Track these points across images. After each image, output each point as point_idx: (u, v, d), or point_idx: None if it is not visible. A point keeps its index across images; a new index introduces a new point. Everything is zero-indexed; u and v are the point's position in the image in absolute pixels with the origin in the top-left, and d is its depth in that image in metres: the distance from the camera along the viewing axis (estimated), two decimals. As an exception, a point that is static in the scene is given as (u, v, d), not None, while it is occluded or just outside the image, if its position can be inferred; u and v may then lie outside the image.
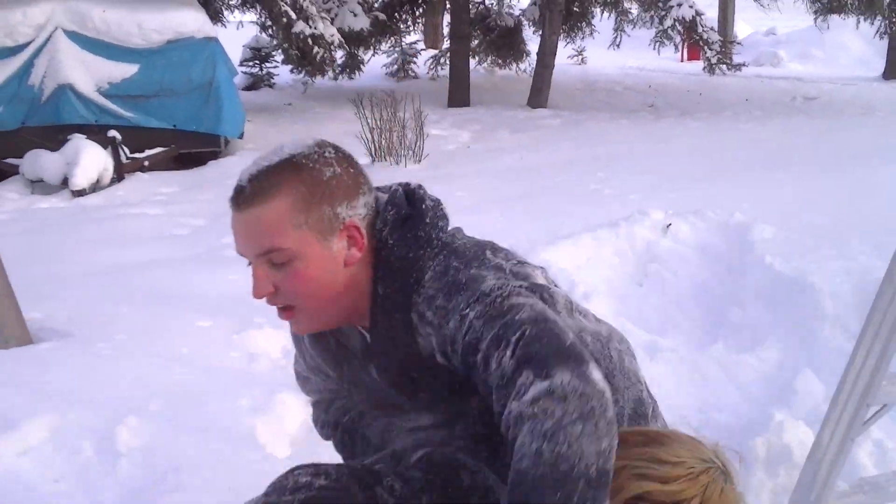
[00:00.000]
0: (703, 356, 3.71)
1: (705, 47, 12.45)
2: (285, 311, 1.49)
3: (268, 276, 1.44)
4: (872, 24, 13.29)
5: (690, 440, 1.43)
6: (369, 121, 8.97)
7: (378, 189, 1.56)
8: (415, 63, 16.82)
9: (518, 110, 12.99)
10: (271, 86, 15.53)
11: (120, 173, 8.84)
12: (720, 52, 12.49)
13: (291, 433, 2.99)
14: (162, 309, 4.04)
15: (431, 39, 20.35)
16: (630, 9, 13.90)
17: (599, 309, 3.81)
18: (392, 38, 16.48)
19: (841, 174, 6.30)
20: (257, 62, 15.62)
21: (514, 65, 16.30)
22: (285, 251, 1.41)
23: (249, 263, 1.45)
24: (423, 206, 1.51)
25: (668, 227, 4.85)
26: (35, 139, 8.69)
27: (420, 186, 1.56)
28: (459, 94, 13.84)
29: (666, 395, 3.26)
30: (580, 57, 17.63)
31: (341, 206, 1.43)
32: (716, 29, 14.69)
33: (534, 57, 14.35)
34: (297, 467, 1.59)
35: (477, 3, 16.02)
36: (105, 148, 8.69)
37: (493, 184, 7.42)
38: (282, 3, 10.80)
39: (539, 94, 13.42)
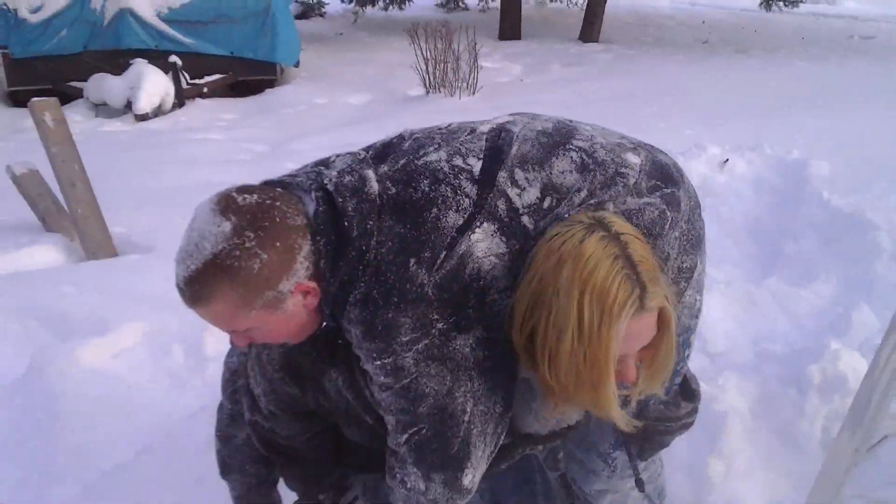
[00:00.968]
0: (757, 289, 3.75)
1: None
2: None
3: (241, 338, 1.50)
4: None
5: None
6: (424, 52, 9.00)
7: (295, 180, 1.51)
8: (465, -6, 16.72)
9: (570, 44, 12.89)
10: (322, 15, 15.54)
11: (181, 99, 9.00)
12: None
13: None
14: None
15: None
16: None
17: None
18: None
19: (894, 112, 6.26)
20: (309, -10, 15.63)
21: (566, -3, 16.15)
22: (247, 331, 1.47)
23: None
24: (346, 225, 1.42)
25: (725, 162, 4.89)
26: (97, 63, 8.85)
27: (339, 185, 1.46)
28: (510, 26, 13.74)
29: (721, 325, 3.39)
30: (633, -10, 17.43)
31: (281, 283, 1.40)
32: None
33: (586, -11, 14.20)
34: None
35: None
36: (166, 73, 8.84)
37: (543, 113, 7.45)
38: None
39: (591, 27, 13.30)
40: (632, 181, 1.54)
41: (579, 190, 1.49)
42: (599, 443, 1.70)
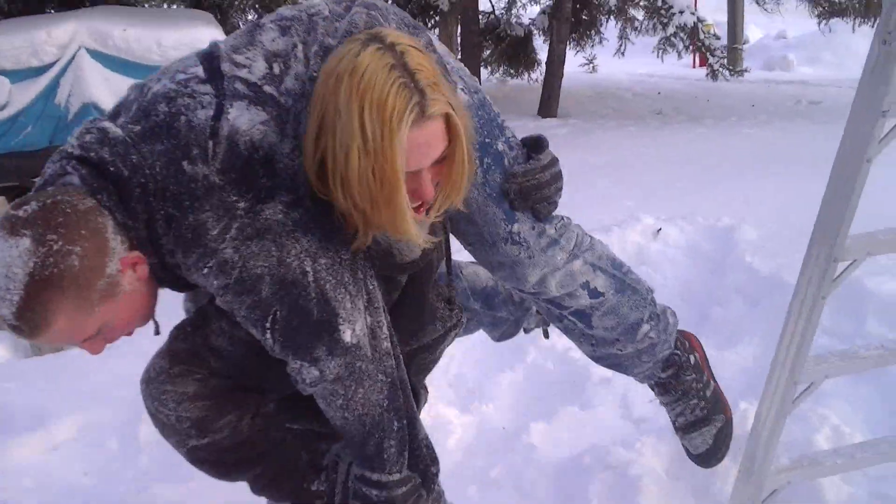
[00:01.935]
0: (685, 354, 3.93)
1: (707, 54, 12.65)
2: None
3: (97, 344, 1.53)
4: (872, 26, 13.43)
5: None
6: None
7: (47, 174, 1.50)
8: (428, 74, 17.08)
9: (528, 120, 13.20)
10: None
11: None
12: (723, 58, 12.68)
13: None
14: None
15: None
16: (635, 17, 14.11)
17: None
18: (405, 51, 16.74)
19: (827, 176, 6.49)
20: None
21: (526, 74, 16.51)
22: (99, 332, 1.47)
23: None
24: (113, 170, 1.44)
25: (657, 231, 5.10)
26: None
27: (83, 145, 1.48)
28: (471, 103, 14.08)
29: (645, 389, 3.53)
30: (591, 65, 17.84)
31: (107, 266, 1.41)
32: (722, 35, 14.85)
33: (545, 66, 14.59)
34: None
35: (487, 13, 16.27)
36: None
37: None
38: (295, 20, 11.12)
39: (548, 103, 13.65)
40: (326, 11, 1.60)
41: (295, 46, 1.53)
42: (496, 231, 1.65)
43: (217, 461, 1.68)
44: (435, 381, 3.65)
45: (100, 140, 1.44)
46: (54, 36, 9.63)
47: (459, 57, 16.07)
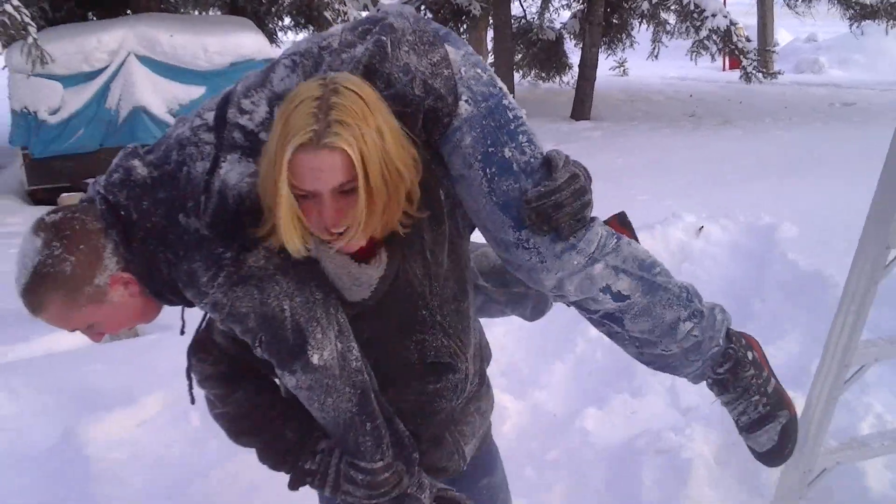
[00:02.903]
0: (728, 347, 4.07)
1: (741, 56, 12.75)
2: None
3: (93, 334, 1.71)
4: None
5: None
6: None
7: (87, 195, 1.68)
8: (460, 77, 17.18)
9: (561, 122, 13.37)
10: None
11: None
12: (756, 61, 12.77)
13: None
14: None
15: (477, 53, 20.76)
16: (667, 20, 14.22)
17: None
18: (438, 54, 16.85)
19: (865, 176, 6.59)
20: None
21: (558, 77, 16.63)
22: (86, 327, 1.66)
23: None
24: (124, 214, 1.61)
25: (700, 229, 5.21)
26: (112, 160, 9.32)
27: (108, 184, 1.64)
28: (504, 107, 14.22)
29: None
30: (622, 68, 17.94)
31: (96, 278, 1.60)
32: (753, 37, 14.90)
33: (576, 69, 14.72)
34: None
35: (519, 17, 16.41)
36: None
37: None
38: (333, 23, 11.33)
39: (581, 106, 13.80)
40: (336, 43, 1.65)
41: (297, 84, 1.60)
42: (506, 238, 1.66)
43: (230, 428, 1.88)
44: (489, 370, 3.85)
45: (122, 181, 1.63)
46: (104, 42, 9.97)
47: (490, 61, 16.28)
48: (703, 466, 2.98)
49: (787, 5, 15.03)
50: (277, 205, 1.45)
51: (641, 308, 1.75)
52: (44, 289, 1.58)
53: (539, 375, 3.88)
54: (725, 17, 12.56)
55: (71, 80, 9.72)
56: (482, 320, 2.07)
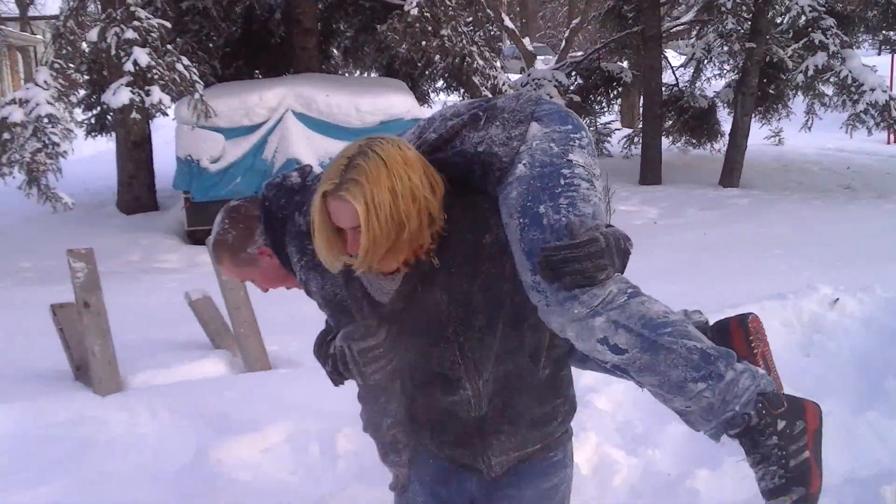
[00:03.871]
0: (856, 420, 3.95)
1: (900, 131, 12.36)
2: None
3: (258, 287, 2.28)
4: None
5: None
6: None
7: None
8: (609, 142, 17.30)
9: (708, 189, 13.23)
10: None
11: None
12: (917, 135, 12.36)
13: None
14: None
15: (627, 119, 20.83)
16: (824, 92, 13.91)
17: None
18: (587, 118, 17.03)
19: None
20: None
21: (709, 144, 16.47)
22: (250, 280, 2.27)
23: None
24: (266, 206, 2.13)
25: (835, 301, 5.11)
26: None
27: (267, 184, 2.17)
28: (651, 172, 14.24)
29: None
30: (777, 137, 17.60)
31: (248, 248, 2.17)
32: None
33: (727, 137, 14.57)
34: None
35: (671, 85, 16.41)
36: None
37: (671, 257, 7.82)
38: (482, 88, 11.68)
39: (730, 173, 13.63)
40: (450, 112, 2.04)
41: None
42: (526, 279, 1.86)
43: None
44: (603, 425, 3.89)
45: (278, 184, 2.15)
46: (265, 99, 10.63)
47: (640, 126, 16.30)
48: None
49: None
50: (316, 231, 1.85)
51: (643, 364, 1.81)
52: (217, 251, 2.19)
53: (653, 434, 3.89)
54: (885, 91, 12.20)
55: (232, 133, 10.39)
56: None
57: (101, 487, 3.45)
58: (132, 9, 8.84)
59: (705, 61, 16.21)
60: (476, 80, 11.55)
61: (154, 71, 8.66)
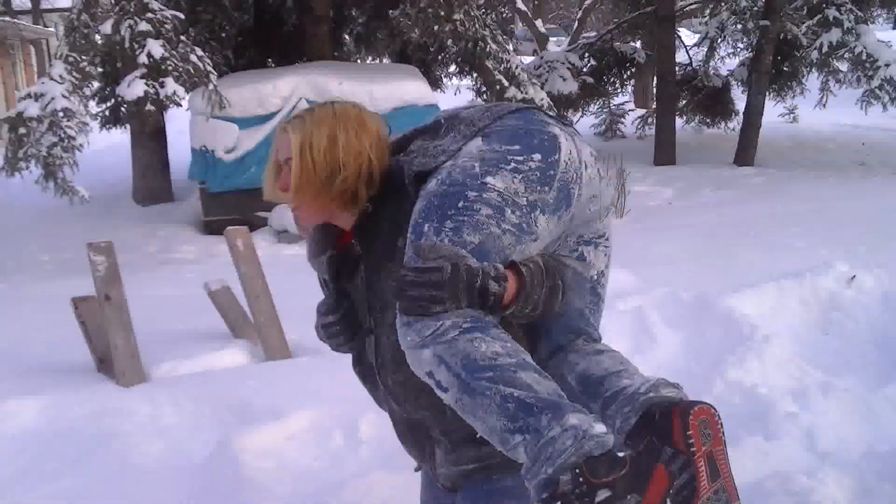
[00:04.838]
0: (874, 396, 3.95)
1: (916, 106, 12.27)
2: None
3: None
4: None
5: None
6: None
7: None
8: (623, 123, 17.23)
9: (723, 168, 13.17)
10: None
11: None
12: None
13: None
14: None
15: (641, 99, 20.72)
16: (839, 69, 13.80)
17: (779, 352, 4.19)
18: (600, 100, 16.98)
19: None
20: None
21: (723, 123, 16.39)
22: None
23: None
24: None
25: (852, 278, 5.10)
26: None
27: None
28: (665, 152, 14.18)
29: (834, 428, 3.63)
30: (791, 115, 17.48)
31: None
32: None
33: (741, 116, 14.49)
34: None
35: (684, 64, 16.32)
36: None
37: (689, 237, 7.82)
38: (495, 72, 11.65)
39: (745, 152, 13.56)
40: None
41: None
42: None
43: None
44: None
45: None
46: (279, 88, 10.63)
47: (654, 107, 16.22)
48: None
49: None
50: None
51: (465, 406, 1.70)
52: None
53: (674, 414, 3.90)
54: (899, 66, 12.14)
55: (246, 123, 10.40)
56: None
57: (126, 479, 3.51)
58: (145, 0, 8.85)
59: (719, 40, 16.10)
60: (489, 64, 11.51)
61: (168, 62, 8.68)
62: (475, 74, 13.33)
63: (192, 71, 8.92)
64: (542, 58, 16.10)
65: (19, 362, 5.15)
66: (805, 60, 14.34)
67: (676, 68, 15.43)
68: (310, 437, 3.57)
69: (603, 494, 1.57)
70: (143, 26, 8.70)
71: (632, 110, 17.98)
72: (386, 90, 10.81)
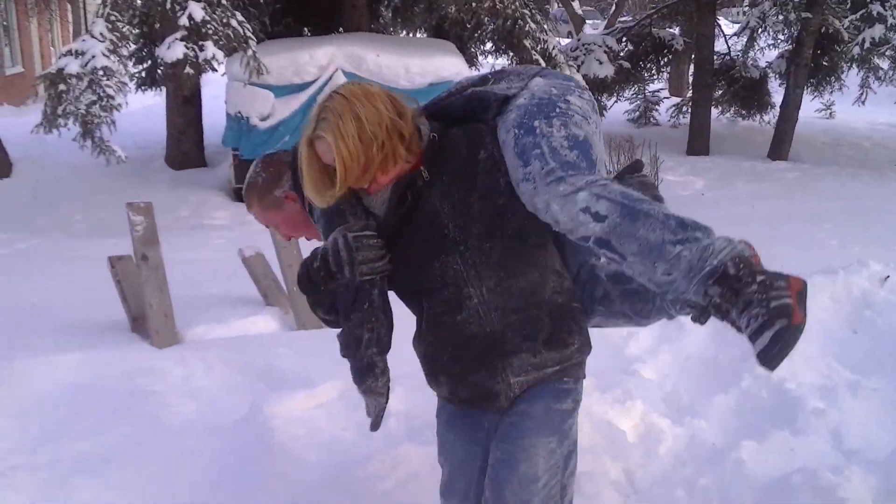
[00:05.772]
0: (904, 397, 3.96)
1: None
2: None
3: (285, 238, 2.60)
4: None
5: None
6: (606, 164, 9.52)
7: None
8: (657, 110, 17.12)
9: (757, 161, 13.08)
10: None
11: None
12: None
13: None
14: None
15: (676, 87, 20.57)
16: (880, 66, 13.64)
17: (808, 348, 4.18)
18: (635, 86, 16.87)
19: None
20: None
21: (759, 116, 16.25)
22: (274, 226, 2.53)
23: None
24: (294, 156, 2.30)
25: (885, 278, 5.06)
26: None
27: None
28: (699, 142, 14.10)
29: (862, 427, 3.62)
30: (828, 111, 17.31)
31: (276, 191, 2.33)
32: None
33: (778, 109, 14.36)
34: None
35: (723, 54, 16.17)
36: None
37: (720, 229, 7.72)
38: (532, 51, 11.60)
39: (780, 146, 13.46)
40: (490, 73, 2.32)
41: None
42: (517, 176, 2.08)
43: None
44: (649, 394, 3.92)
45: None
46: (316, 57, 10.63)
47: (689, 95, 16.10)
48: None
49: None
50: (302, 173, 2.11)
51: (624, 230, 1.95)
52: (248, 193, 2.39)
53: (700, 405, 3.91)
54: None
55: (282, 91, 10.42)
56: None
57: (158, 438, 3.55)
58: (187, -37, 8.87)
59: (759, 30, 15.90)
60: (527, 43, 11.46)
61: (209, 25, 8.70)
62: (511, 53, 13.28)
63: (231, 35, 8.94)
64: (579, 40, 16.00)
65: (55, 318, 5.22)
66: (845, 56, 14.18)
67: (714, 57, 15.29)
68: (339, 407, 3.60)
69: (760, 276, 1.91)
70: (185, -12, 8.73)
71: (666, 97, 17.85)
72: (422, 65, 10.80)
